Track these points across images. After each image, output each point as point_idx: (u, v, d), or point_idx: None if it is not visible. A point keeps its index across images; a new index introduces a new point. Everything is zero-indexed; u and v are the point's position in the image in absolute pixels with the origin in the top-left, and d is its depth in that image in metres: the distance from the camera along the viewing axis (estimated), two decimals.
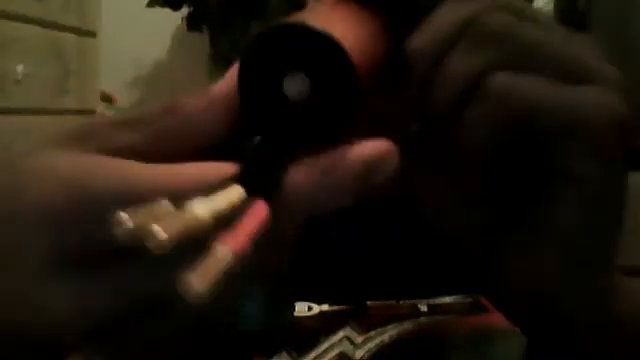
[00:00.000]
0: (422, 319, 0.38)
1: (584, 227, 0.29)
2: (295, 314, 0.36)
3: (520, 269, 0.31)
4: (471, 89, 0.27)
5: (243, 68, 0.24)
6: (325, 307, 0.39)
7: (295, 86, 0.24)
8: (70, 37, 1.93)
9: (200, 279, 0.18)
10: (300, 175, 0.24)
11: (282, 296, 0.34)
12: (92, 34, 2.01)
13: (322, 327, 0.36)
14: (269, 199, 0.23)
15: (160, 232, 0.18)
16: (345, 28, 0.25)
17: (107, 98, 2.23)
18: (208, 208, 0.20)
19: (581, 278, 0.31)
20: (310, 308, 0.39)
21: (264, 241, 0.21)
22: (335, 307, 0.40)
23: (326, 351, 0.34)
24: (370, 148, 0.24)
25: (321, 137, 0.24)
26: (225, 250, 0.19)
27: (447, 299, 0.41)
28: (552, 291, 0.31)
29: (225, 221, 0.20)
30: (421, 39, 0.27)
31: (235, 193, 0.22)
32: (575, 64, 0.28)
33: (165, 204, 0.20)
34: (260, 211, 0.22)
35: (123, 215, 0.19)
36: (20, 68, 1.72)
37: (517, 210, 0.30)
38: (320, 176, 0.24)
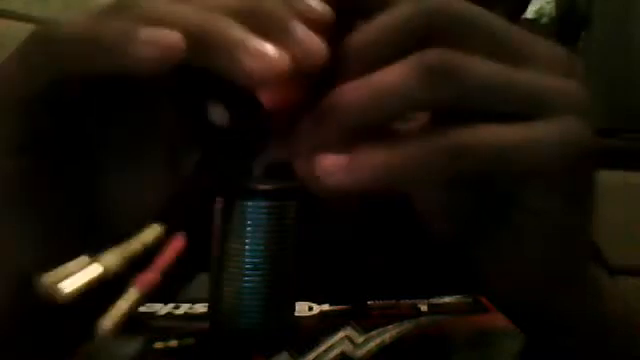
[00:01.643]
0: (422, 319, 0.38)
1: (548, 249, 0.29)
2: (295, 314, 0.36)
3: (502, 271, 0.32)
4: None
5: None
6: (325, 307, 0.39)
7: (219, 113, 0.28)
8: None
9: (110, 320, 0.24)
10: None
11: (282, 296, 0.34)
12: None
13: (322, 327, 0.36)
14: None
15: (63, 289, 0.24)
16: None
17: None
18: (118, 258, 0.25)
19: (556, 282, 0.31)
20: (310, 308, 0.39)
21: None
22: (335, 307, 0.40)
23: (326, 351, 0.34)
24: None
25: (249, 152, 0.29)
26: (134, 292, 0.25)
27: (447, 299, 0.41)
28: (534, 292, 0.31)
29: (141, 259, 0.26)
30: (359, 38, 0.25)
31: (152, 233, 0.26)
32: (530, 96, 0.25)
33: (83, 260, 0.25)
34: (176, 245, 0.27)
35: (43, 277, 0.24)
36: None
37: (488, 219, 0.30)
38: None
